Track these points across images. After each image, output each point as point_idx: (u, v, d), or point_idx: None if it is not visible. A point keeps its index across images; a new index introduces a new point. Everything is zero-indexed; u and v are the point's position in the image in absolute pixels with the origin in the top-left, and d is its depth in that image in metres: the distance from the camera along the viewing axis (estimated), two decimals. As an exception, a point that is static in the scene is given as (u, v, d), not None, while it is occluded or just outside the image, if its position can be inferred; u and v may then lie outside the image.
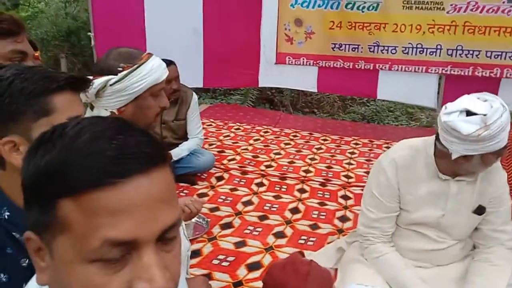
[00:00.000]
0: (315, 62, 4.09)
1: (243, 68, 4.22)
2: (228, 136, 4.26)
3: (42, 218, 0.51)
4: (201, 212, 2.61)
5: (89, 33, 4.10)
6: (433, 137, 1.67)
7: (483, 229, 1.74)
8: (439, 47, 3.73)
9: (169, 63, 2.72)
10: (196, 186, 3.13)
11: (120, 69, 1.29)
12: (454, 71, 3.74)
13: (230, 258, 2.28)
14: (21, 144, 0.92)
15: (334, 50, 4.01)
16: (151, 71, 1.32)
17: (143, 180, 0.50)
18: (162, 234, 0.52)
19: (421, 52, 3.79)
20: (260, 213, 2.78)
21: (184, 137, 3.26)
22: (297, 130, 4.49)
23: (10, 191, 0.95)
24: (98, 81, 1.28)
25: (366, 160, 3.74)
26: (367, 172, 3.23)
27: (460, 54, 3.68)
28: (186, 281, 0.94)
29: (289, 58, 4.14)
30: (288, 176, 3.35)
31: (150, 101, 1.36)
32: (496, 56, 3.60)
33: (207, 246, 2.39)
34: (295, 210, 2.83)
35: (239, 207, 2.86)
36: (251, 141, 4.13)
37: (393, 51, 3.86)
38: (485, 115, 1.43)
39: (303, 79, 4.21)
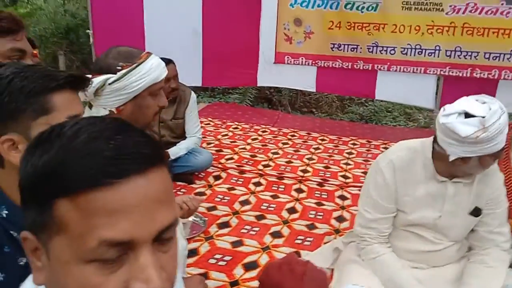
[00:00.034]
0: (314, 62, 4.09)
1: (242, 67, 4.22)
2: (226, 135, 4.27)
3: (39, 218, 0.51)
4: (198, 211, 2.61)
5: (87, 31, 4.10)
6: (431, 138, 1.67)
7: (479, 230, 1.75)
8: (437, 48, 3.73)
9: (167, 62, 2.71)
10: (193, 185, 3.13)
11: (119, 68, 1.29)
12: (452, 72, 3.74)
13: (227, 258, 2.28)
14: (20, 142, 0.92)
15: (333, 50, 4.02)
16: (150, 70, 1.32)
17: (140, 180, 0.50)
18: (159, 234, 0.52)
19: (420, 53, 3.80)
20: (258, 213, 2.78)
21: (182, 136, 3.25)
22: (295, 130, 4.49)
23: (8, 189, 0.95)
24: (97, 80, 1.28)
25: (364, 160, 3.75)
26: (365, 173, 3.24)
27: (458, 55, 3.69)
28: (182, 280, 0.94)
29: (288, 57, 4.14)
30: (286, 176, 3.35)
31: (149, 100, 1.36)
32: (494, 58, 3.61)
33: (204, 245, 2.39)
34: (292, 210, 2.84)
35: (237, 206, 2.86)
36: (249, 140, 4.13)
37: (392, 52, 3.86)
38: (483, 117, 1.44)
39: (302, 78, 4.21)
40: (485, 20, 3.53)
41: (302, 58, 4.11)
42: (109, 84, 1.29)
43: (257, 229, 2.59)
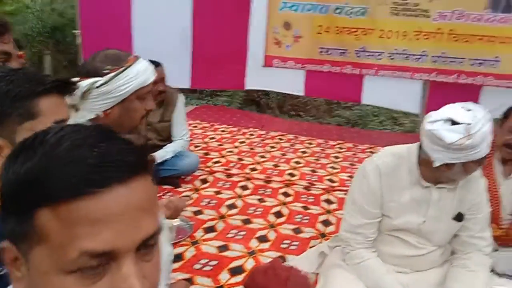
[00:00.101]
0: (302, 66, 4.10)
1: (231, 70, 4.20)
2: (214, 138, 4.25)
3: (19, 227, 0.50)
4: (184, 216, 2.60)
5: (74, 31, 4.05)
6: (417, 144, 1.69)
7: (461, 235, 1.77)
8: (424, 53, 3.77)
9: (155, 64, 2.70)
10: (180, 189, 3.10)
11: (107, 71, 1.28)
12: (438, 77, 3.79)
13: (213, 263, 2.27)
14: (5, 147, 0.90)
15: (321, 54, 4.03)
16: (138, 74, 1.32)
17: (122, 189, 0.50)
18: (142, 243, 0.52)
19: (407, 58, 3.83)
20: (244, 217, 2.77)
21: (169, 139, 3.23)
22: (283, 133, 4.50)
23: None
24: (84, 83, 1.26)
25: (350, 164, 3.77)
26: (351, 177, 3.24)
27: (444, 61, 3.73)
28: (167, 287, 0.94)
29: (277, 61, 4.14)
30: (273, 180, 3.35)
31: (136, 104, 1.35)
32: (479, 64, 3.66)
33: (190, 250, 2.37)
34: (278, 214, 2.84)
35: (223, 210, 2.85)
36: (236, 144, 4.13)
37: (379, 57, 3.89)
38: (468, 124, 1.46)
39: (291, 82, 4.21)
40: (470, 27, 3.58)
41: (290, 62, 4.12)
42: (96, 87, 1.27)
43: (243, 233, 2.58)
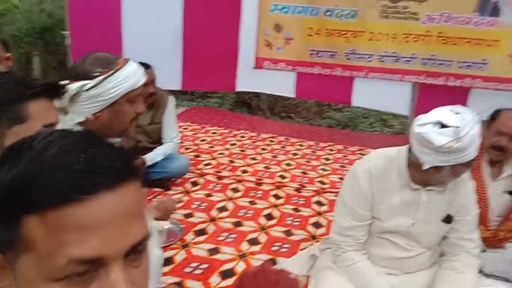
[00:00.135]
0: (293, 68, 4.11)
1: (222, 71, 4.20)
2: (205, 140, 4.24)
3: (5, 236, 0.50)
4: (175, 218, 2.59)
5: (63, 32, 4.01)
6: (406, 147, 1.70)
7: (450, 237, 1.79)
8: (414, 56, 3.80)
9: (145, 67, 2.69)
10: (170, 192, 3.09)
11: (96, 74, 1.27)
12: (428, 80, 3.82)
13: (204, 266, 2.26)
14: None
15: (312, 57, 4.04)
16: (128, 77, 1.31)
17: (110, 196, 0.49)
18: (131, 249, 0.51)
19: (397, 60, 3.86)
20: (235, 219, 2.77)
21: (159, 141, 3.20)
22: (274, 135, 4.50)
23: None
24: (73, 86, 1.25)
25: (341, 166, 3.79)
26: (341, 179, 3.26)
27: (433, 64, 3.77)
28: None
29: (267, 63, 4.15)
30: (264, 182, 3.35)
31: (126, 107, 1.34)
32: (467, 67, 3.70)
33: (181, 253, 2.36)
34: (269, 216, 2.84)
35: (214, 213, 2.84)
36: (227, 146, 4.12)
37: (369, 59, 3.92)
38: (457, 127, 1.47)
39: (281, 84, 4.22)
40: (458, 30, 3.62)
41: (281, 64, 4.12)
42: (86, 90, 1.26)
43: (234, 236, 2.58)
